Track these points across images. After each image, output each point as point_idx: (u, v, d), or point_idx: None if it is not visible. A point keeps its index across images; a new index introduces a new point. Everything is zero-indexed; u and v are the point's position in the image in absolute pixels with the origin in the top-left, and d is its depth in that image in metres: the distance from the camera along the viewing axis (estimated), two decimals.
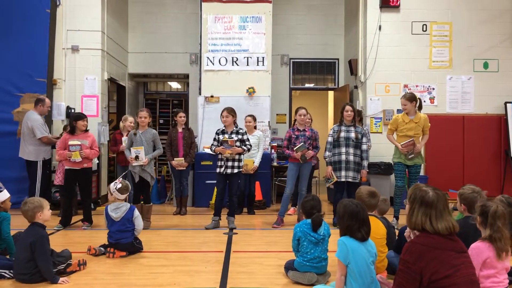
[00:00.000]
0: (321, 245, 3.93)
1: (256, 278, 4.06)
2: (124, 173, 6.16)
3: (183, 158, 7.26)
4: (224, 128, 6.34)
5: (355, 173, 6.15)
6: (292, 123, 6.91)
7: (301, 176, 6.65)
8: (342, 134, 6.17)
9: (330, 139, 6.28)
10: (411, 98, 6.31)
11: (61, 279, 3.87)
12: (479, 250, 2.93)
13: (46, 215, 4.06)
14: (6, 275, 3.96)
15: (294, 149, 6.38)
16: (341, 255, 3.14)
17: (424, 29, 8.65)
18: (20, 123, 7.96)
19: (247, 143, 6.30)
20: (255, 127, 7.64)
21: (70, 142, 6.14)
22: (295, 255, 4.06)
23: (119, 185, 4.97)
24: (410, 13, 8.65)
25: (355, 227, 3.15)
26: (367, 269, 3.11)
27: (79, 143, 6.15)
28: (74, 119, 6.32)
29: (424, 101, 8.62)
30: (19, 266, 3.88)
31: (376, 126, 8.55)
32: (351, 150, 6.13)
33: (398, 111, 8.19)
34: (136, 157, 6.12)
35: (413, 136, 6.26)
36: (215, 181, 6.46)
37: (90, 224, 6.27)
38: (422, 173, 8.39)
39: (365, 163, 6.21)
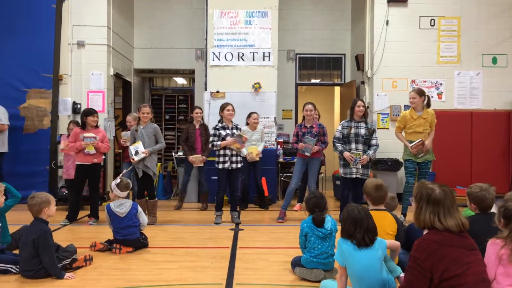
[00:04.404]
0: (329, 240, 3.89)
1: (263, 275, 4.04)
2: (126, 170, 6.15)
3: (200, 155, 7.23)
4: (224, 123, 6.30)
5: (365, 170, 6.07)
6: (301, 119, 6.88)
7: (309, 171, 6.63)
8: (353, 130, 6.07)
9: (338, 134, 6.17)
10: (421, 92, 6.28)
11: (67, 274, 3.87)
12: (496, 245, 2.82)
13: (52, 210, 4.07)
14: (12, 270, 3.97)
15: (304, 138, 6.41)
16: (338, 258, 3.12)
17: (432, 24, 8.56)
18: (26, 119, 8.01)
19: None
20: None
21: (85, 135, 6.19)
22: (302, 252, 4.03)
23: (118, 181, 4.97)
24: (418, 7, 8.56)
25: (358, 235, 3.07)
26: (367, 273, 3.02)
27: (94, 135, 6.19)
28: (85, 114, 6.35)
29: (432, 97, 8.52)
30: (23, 262, 3.88)
31: (383, 122, 8.48)
32: (361, 147, 6.04)
33: (406, 107, 8.13)
34: (136, 153, 6.10)
35: (423, 132, 6.20)
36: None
37: (96, 220, 6.27)
38: (429, 169, 8.35)
39: (370, 152, 6.09)
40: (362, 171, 6.03)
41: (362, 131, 6.05)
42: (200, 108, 7.61)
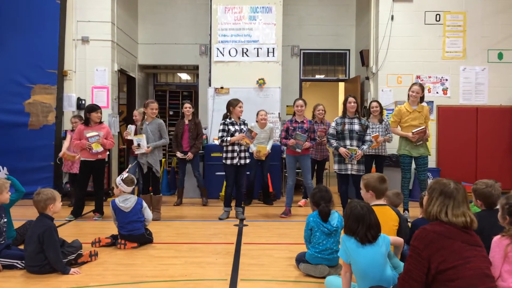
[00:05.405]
0: (334, 236, 3.89)
1: (267, 270, 4.04)
2: (131, 165, 6.17)
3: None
4: (233, 119, 6.28)
5: (360, 166, 6.04)
6: (292, 114, 6.86)
7: (302, 169, 6.67)
8: (346, 127, 6.05)
9: (331, 131, 6.12)
10: (423, 87, 6.42)
11: (72, 270, 3.88)
12: (501, 244, 2.83)
13: (57, 207, 4.07)
14: (18, 265, 3.99)
15: (295, 133, 6.40)
16: (342, 254, 3.13)
17: (438, 19, 8.50)
18: (31, 115, 8.03)
19: None
20: None
21: (88, 134, 6.13)
22: (307, 246, 4.03)
23: (124, 175, 4.97)
24: (423, 2, 8.51)
25: (361, 231, 3.07)
26: (371, 269, 3.03)
27: (97, 133, 6.17)
28: (88, 110, 6.30)
29: (437, 92, 8.53)
30: (29, 258, 3.90)
31: (388, 118, 8.43)
32: (355, 143, 6.00)
33: None
34: (138, 146, 6.12)
35: (418, 125, 6.26)
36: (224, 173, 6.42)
37: (101, 215, 6.29)
38: (434, 165, 8.33)
39: (365, 147, 6.04)
40: (357, 167, 5.98)
41: (356, 127, 6.02)
42: (189, 103, 7.57)
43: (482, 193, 3.61)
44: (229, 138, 6.11)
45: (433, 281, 2.46)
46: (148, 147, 6.09)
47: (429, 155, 6.46)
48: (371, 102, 7.64)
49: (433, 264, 2.43)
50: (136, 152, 6.17)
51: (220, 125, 6.29)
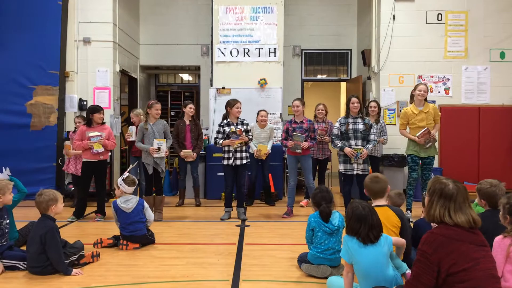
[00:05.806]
0: (335, 236, 3.89)
1: (269, 271, 4.04)
2: (132, 166, 6.16)
3: (190, 150, 7.25)
4: (229, 120, 6.30)
5: (365, 165, 6.04)
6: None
7: (303, 169, 6.68)
8: (350, 127, 6.05)
9: (336, 131, 6.13)
10: (427, 87, 6.39)
11: (74, 270, 3.89)
12: (503, 244, 2.83)
13: (59, 208, 4.07)
14: (20, 266, 4.00)
15: (293, 135, 6.44)
16: (344, 255, 3.12)
17: (439, 19, 8.49)
18: (33, 116, 8.05)
19: (250, 133, 6.37)
20: None
21: (90, 134, 6.16)
22: (308, 246, 4.02)
23: (125, 175, 4.98)
24: (425, 2, 8.49)
25: (363, 231, 3.06)
26: (373, 269, 3.02)
27: (99, 133, 6.18)
28: (91, 111, 6.31)
29: (439, 92, 8.51)
30: (31, 259, 3.90)
31: (390, 118, 8.44)
32: (359, 142, 6.01)
33: None
34: (158, 149, 6.12)
35: (426, 126, 6.23)
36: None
37: (103, 216, 6.29)
38: (436, 165, 8.30)
39: (370, 146, 6.05)
40: (362, 167, 5.99)
41: (360, 126, 6.02)
42: (193, 104, 7.59)
43: (486, 193, 3.60)
44: (221, 141, 6.20)
45: (443, 283, 2.45)
46: (166, 151, 6.13)
47: (437, 154, 6.45)
48: (370, 102, 7.65)
49: (443, 268, 2.42)
50: (154, 155, 6.14)
51: (217, 126, 6.38)
